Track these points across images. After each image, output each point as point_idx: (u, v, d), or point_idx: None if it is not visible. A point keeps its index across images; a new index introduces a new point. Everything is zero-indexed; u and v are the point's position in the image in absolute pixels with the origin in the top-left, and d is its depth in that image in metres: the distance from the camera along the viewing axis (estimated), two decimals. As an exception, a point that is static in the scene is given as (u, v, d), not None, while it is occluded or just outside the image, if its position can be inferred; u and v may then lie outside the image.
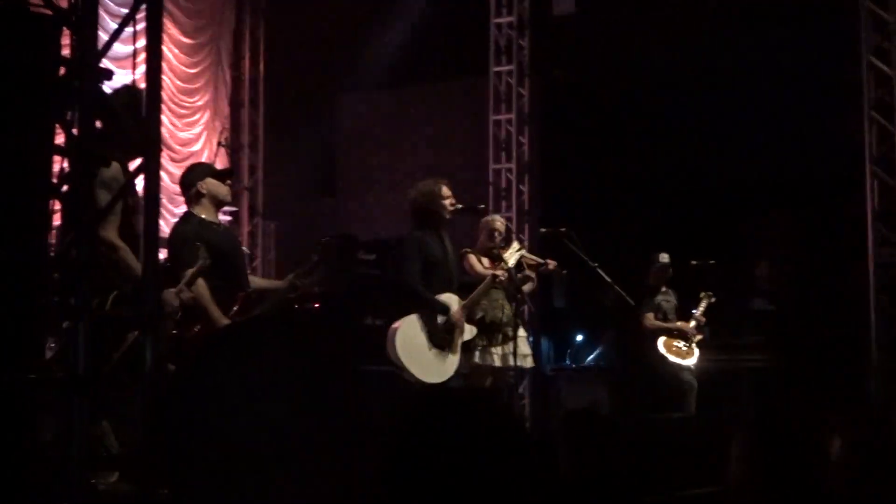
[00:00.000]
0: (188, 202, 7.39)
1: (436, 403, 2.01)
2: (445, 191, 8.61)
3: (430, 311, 8.39)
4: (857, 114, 11.43)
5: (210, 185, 7.28)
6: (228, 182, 7.62)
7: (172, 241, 7.18)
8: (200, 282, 6.82)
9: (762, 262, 12.86)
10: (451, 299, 8.53)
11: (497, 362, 8.84)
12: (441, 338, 8.41)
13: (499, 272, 8.65)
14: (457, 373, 8.51)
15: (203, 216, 7.23)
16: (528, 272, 9.05)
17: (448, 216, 8.59)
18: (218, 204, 7.35)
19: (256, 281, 7.92)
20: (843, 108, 12.08)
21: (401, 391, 9.08)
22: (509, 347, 8.83)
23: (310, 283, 7.82)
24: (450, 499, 1.89)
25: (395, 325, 8.41)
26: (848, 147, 11.78)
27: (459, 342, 8.51)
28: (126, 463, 4.83)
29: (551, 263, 9.27)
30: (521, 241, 9.13)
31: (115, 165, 5.84)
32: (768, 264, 12.70)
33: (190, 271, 6.75)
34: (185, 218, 7.33)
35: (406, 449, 1.92)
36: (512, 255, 8.84)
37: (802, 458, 3.42)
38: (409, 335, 8.31)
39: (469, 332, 8.60)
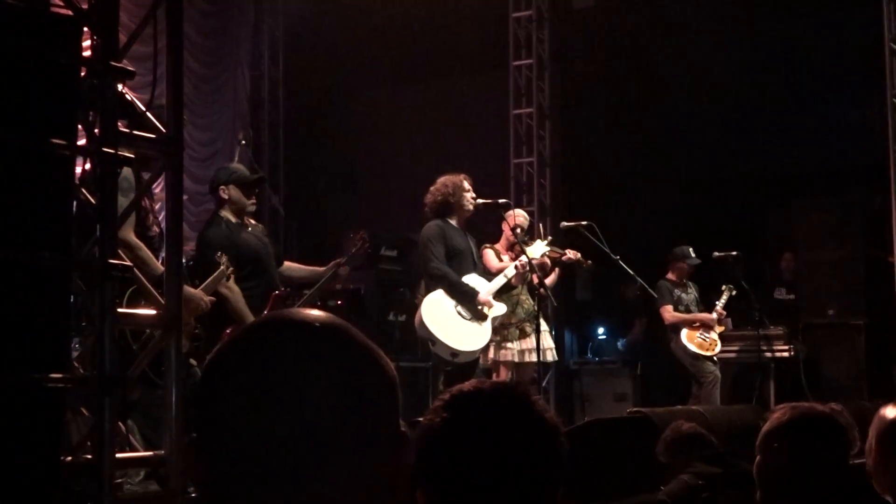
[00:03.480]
0: (216, 203, 7.45)
1: (466, 400, 2.00)
2: (467, 184, 8.66)
3: (458, 295, 8.43)
4: (879, 102, 11.36)
5: (231, 192, 7.33)
6: (256, 192, 7.66)
7: (200, 243, 7.25)
8: (234, 286, 6.88)
9: (787, 254, 12.80)
10: (477, 280, 8.57)
11: (514, 357, 8.86)
12: (468, 308, 8.44)
13: (519, 263, 8.68)
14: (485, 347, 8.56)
15: (230, 218, 7.28)
16: (545, 260, 9.05)
17: (471, 208, 8.64)
18: (238, 211, 7.37)
19: (295, 269, 7.94)
20: (867, 96, 12.01)
21: (427, 386, 9.11)
22: (528, 343, 8.85)
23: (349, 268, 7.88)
24: (481, 495, 1.88)
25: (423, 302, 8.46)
26: (872, 135, 11.72)
27: (489, 314, 8.54)
28: (153, 462, 4.85)
29: (572, 253, 9.27)
30: (545, 239, 9.13)
31: (125, 168, 5.85)
32: (793, 256, 12.63)
33: (210, 278, 6.80)
34: (213, 220, 7.38)
35: (436, 446, 1.92)
36: (537, 250, 8.88)
37: (832, 448, 3.41)
38: (435, 305, 8.34)
39: (498, 308, 8.61)
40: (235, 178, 7.41)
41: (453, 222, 8.66)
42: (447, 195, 8.64)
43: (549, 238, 9.18)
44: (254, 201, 7.62)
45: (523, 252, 8.72)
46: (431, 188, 8.77)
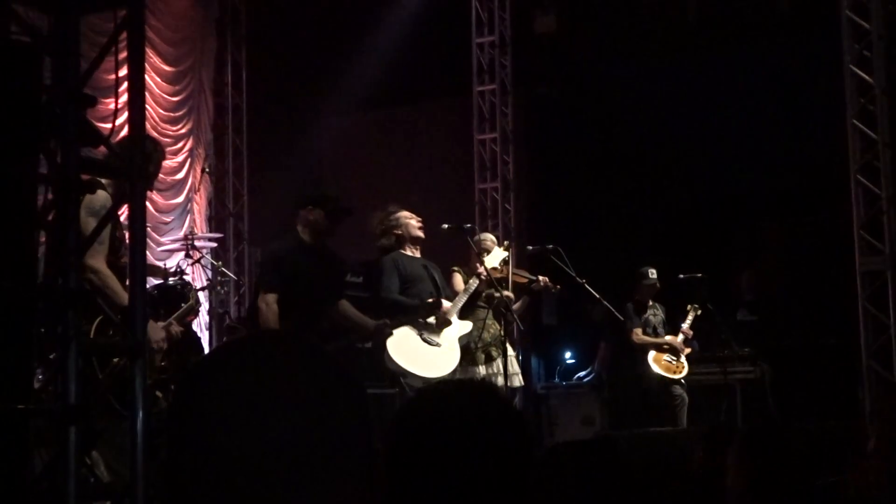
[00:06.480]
0: (297, 220, 7.64)
1: (432, 393, 2.03)
2: (406, 213, 8.65)
3: (416, 315, 8.40)
4: (840, 123, 11.46)
5: (315, 216, 7.48)
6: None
7: (262, 255, 7.54)
8: (272, 303, 7.12)
9: (746, 271, 12.87)
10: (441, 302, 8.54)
11: None
12: (432, 334, 8.40)
13: (482, 272, 8.65)
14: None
15: (305, 238, 7.54)
16: (508, 294, 8.94)
17: (419, 234, 8.61)
18: (315, 235, 7.56)
19: (347, 312, 8.02)
20: (827, 118, 12.11)
21: (394, 410, 9.06)
22: (493, 367, 8.83)
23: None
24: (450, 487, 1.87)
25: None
26: (833, 156, 11.81)
27: (453, 336, 8.50)
28: (118, 491, 4.80)
29: (542, 279, 9.27)
30: (506, 248, 9.09)
31: (103, 193, 5.85)
32: (752, 274, 12.71)
33: (179, 311, 6.80)
34: (287, 236, 7.69)
35: (404, 437, 1.92)
36: (495, 257, 8.85)
37: (796, 467, 3.41)
38: (400, 339, 8.31)
39: (462, 327, 8.57)
40: (323, 203, 7.62)
41: (408, 252, 8.62)
42: (388, 229, 8.66)
43: (506, 243, 9.16)
44: (335, 228, 7.76)
45: (482, 266, 8.68)
46: (371, 223, 8.81)
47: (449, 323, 8.48)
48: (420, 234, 8.65)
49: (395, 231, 8.62)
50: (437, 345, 8.39)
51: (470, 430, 1.91)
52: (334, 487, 1.27)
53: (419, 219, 8.69)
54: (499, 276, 9.02)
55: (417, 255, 8.67)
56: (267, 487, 1.24)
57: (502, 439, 1.93)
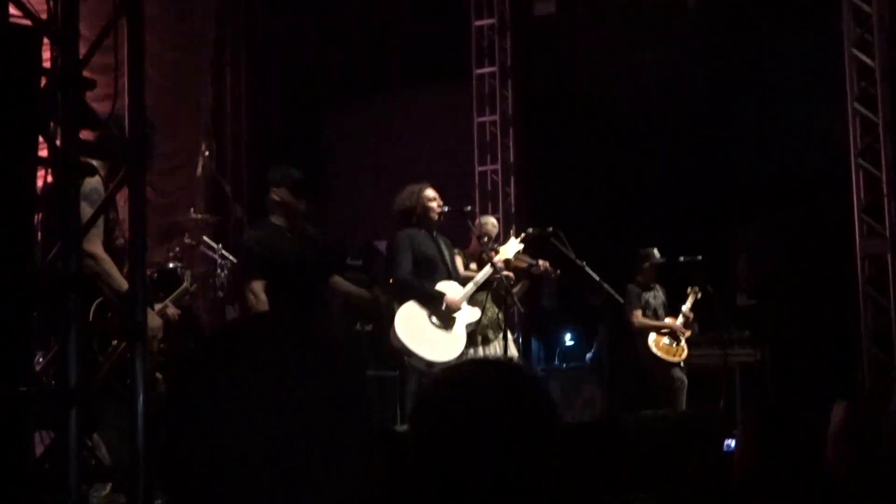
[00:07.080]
0: (268, 206, 7.49)
1: (457, 374, 2.02)
2: (430, 192, 8.59)
3: (425, 300, 8.36)
4: (841, 107, 11.46)
5: (283, 195, 7.33)
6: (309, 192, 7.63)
7: (239, 246, 7.38)
8: (261, 294, 6.97)
9: (742, 256, 12.88)
10: (450, 286, 8.51)
11: None
12: (441, 317, 8.37)
13: (497, 262, 8.61)
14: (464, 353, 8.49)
15: (278, 221, 7.31)
16: (508, 273, 8.94)
17: (436, 217, 8.57)
18: (290, 215, 7.37)
19: (341, 284, 7.95)
20: (828, 101, 12.10)
21: (395, 395, 9.06)
22: (490, 349, 8.81)
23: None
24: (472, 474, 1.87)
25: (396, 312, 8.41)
26: (834, 140, 11.80)
27: (462, 322, 8.47)
28: (119, 474, 4.81)
29: (542, 264, 9.27)
30: (519, 239, 9.07)
31: (96, 177, 5.83)
32: (747, 259, 12.73)
33: (174, 293, 6.80)
34: (259, 222, 7.55)
35: (430, 412, 1.91)
36: (511, 248, 8.83)
37: (802, 450, 3.41)
38: (408, 317, 8.28)
39: (471, 314, 8.56)
40: (288, 181, 7.42)
41: (423, 231, 8.59)
42: (411, 207, 8.58)
43: (523, 235, 9.12)
44: (304, 203, 7.57)
45: (490, 261, 8.63)
46: (396, 197, 8.74)
47: (458, 309, 8.48)
48: (435, 218, 8.59)
49: (415, 207, 8.57)
50: (445, 328, 8.38)
51: (497, 408, 1.90)
52: (332, 478, 1.26)
53: (440, 203, 8.60)
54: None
55: (430, 232, 8.64)
56: (264, 478, 1.24)
57: (528, 417, 1.93)
